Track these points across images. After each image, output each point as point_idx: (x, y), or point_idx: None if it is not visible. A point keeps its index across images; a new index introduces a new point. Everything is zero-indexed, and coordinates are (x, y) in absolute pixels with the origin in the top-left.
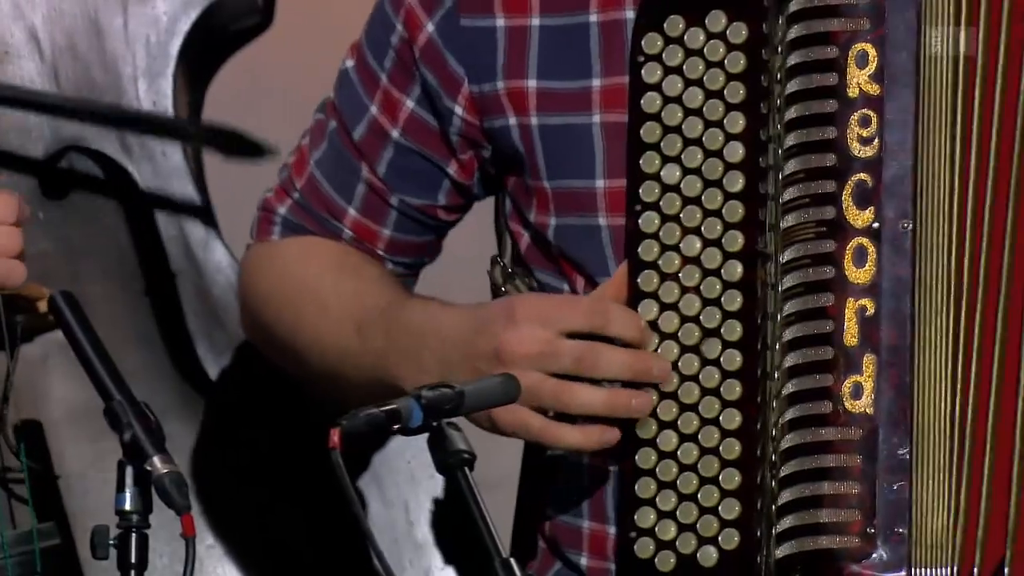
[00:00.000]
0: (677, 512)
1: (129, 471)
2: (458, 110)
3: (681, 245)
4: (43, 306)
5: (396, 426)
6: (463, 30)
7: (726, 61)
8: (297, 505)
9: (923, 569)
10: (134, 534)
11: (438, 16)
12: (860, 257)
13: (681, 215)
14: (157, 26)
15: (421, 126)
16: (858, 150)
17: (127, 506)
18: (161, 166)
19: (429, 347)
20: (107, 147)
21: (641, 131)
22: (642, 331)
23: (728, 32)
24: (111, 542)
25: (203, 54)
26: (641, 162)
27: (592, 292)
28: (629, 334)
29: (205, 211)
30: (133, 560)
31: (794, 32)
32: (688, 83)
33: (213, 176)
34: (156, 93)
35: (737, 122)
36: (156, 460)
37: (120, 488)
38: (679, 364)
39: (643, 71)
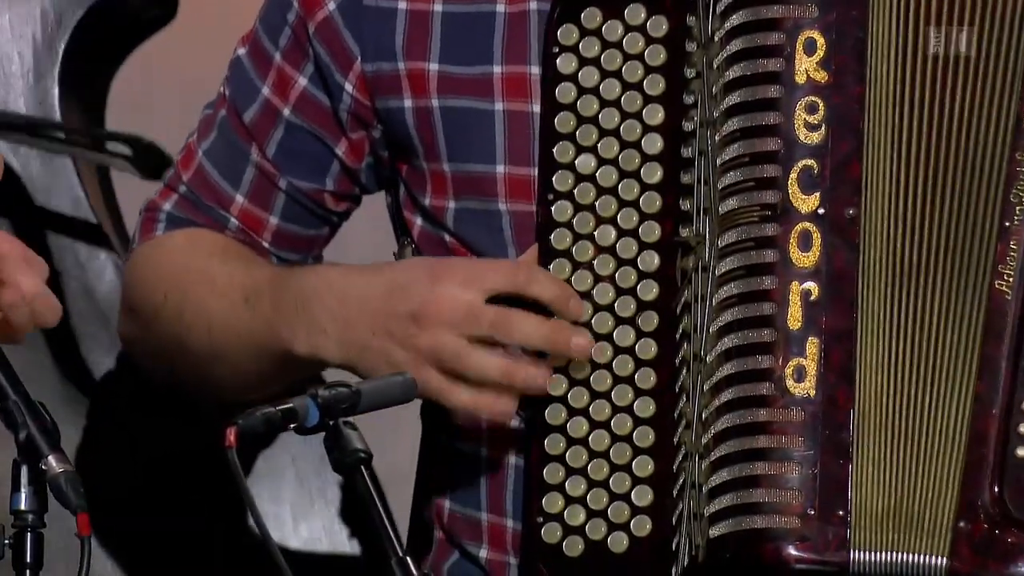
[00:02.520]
0: (587, 498)
1: (24, 470)
2: (348, 87)
3: (595, 234)
4: None
5: (292, 425)
6: (365, 9)
7: (646, 54)
8: (188, 506)
9: (863, 552)
10: (29, 534)
11: None
12: (805, 242)
13: (596, 204)
14: (44, 22)
15: (312, 104)
16: (804, 136)
17: (22, 506)
18: (48, 165)
19: (325, 306)
20: None
21: (555, 121)
22: (564, 293)
23: (648, 25)
24: (6, 542)
25: (98, 51)
26: (554, 151)
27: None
28: (548, 293)
29: (92, 211)
30: (28, 560)
31: (738, 19)
32: (605, 74)
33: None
34: (42, 92)
35: (656, 114)
36: (51, 459)
37: (15, 488)
38: (592, 351)
39: (558, 61)
